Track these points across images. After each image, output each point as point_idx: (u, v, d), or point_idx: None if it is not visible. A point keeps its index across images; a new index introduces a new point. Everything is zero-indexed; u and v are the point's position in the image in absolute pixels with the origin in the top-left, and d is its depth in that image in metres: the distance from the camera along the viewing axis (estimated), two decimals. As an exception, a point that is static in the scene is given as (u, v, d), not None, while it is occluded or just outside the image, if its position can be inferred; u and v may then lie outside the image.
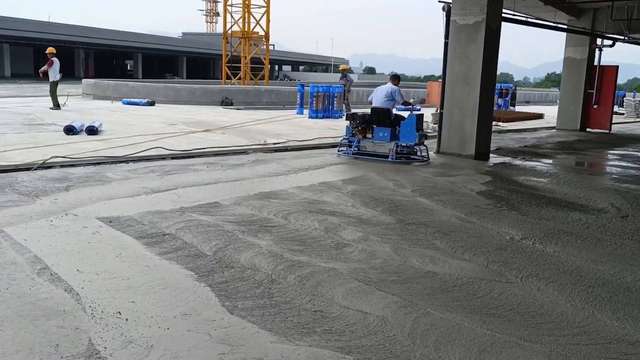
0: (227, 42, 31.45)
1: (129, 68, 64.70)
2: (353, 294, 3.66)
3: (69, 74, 53.37)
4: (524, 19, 13.56)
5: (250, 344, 2.95)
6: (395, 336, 3.11)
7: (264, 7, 30.68)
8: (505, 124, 17.75)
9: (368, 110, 10.03)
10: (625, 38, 16.72)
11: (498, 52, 10.36)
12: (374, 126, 9.71)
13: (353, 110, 10.19)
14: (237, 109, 19.39)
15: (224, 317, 3.26)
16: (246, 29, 30.61)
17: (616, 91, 19.67)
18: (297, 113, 18.23)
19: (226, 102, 20.42)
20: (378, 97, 9.88)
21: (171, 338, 2.98)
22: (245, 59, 30.68)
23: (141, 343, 2.91)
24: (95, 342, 2.89)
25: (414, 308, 3.48)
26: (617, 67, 17.43)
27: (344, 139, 9.99)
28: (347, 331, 3.15)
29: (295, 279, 3.87)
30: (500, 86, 25.47)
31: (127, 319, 3.16)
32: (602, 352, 3.02)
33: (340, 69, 21.26)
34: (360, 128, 9.72)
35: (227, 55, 31.11)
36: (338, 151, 10.03)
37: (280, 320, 3.24)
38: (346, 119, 9.88)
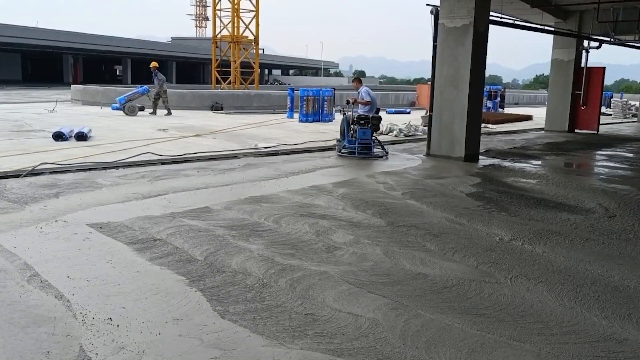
0: (217, 47, 31.46)
1: (118, 73, 64.40)
2: (344, 297, 3.68)
3: (57, 79, 53.20)
4: (511, 21, 13.67)
5: (242, 348, 2.96)
6: (386, 338, 3.13)
7: (253, 11, 30.74)
8: (494, 126, 17.87)
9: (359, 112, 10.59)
10: (612, 39, 16.91)
11: (486, 54, 10.44)
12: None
13: (361, 113, 10.45)
14: (227, 114, 19.38)
15: (215, 321, 3.26)
16: (235, 33, 30.64)
17: (603, 92, 19.87)
18: (288, 117, 18.27)
19: (216, 107, 20.40)
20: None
21: (163, 343, 2.98)
22: (235, 63, 30.70)
23: (133, 349, 2.91)
24: (87, 349, 2.88)
25: (404, 310, 3.51)
26: (604, 68, 17.61)
27: (360, 141, 10.14)
28: (338, 334, 3.16)
29: (286, 283, 3.88)
30: (489, 88, 25.67)
31: (118, 325, 3.16)
32: (591, 351, 3.06)
33: (151, 66, 18.32)
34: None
35: (217, 59, 31.10)
36: (341, 153, 10.25)
37: (271, 323, 3.25)
38: (374, 126, 10.46)
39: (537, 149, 12.84)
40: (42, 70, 58.64)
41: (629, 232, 5.58)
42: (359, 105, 10.60)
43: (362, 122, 10.12)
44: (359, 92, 10.80)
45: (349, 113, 10.44)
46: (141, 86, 18.44)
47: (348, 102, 10.65)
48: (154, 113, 17.33)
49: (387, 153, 10.41)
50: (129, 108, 16.88)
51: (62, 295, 3.54)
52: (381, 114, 11.12)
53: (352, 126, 10.21)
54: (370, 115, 10.32)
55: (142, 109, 17.14)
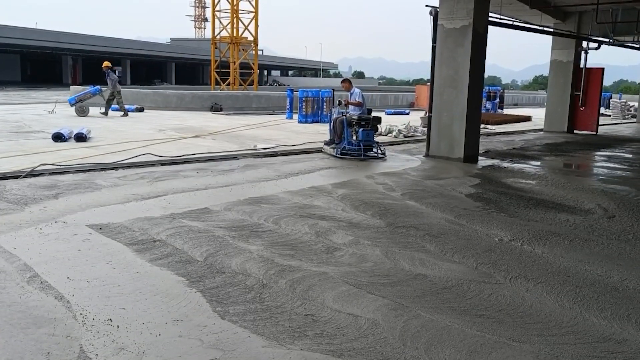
0: (216, 48, 31.47)
1: (117, 74, 64.34)
2: (344, 298, 3.68)
3: (56, 81, 53.18)
4: (510, 22, 13.69)
5: (242, 349, 2.96)
6: (386, 339, 3.13)
7: (252, 12, 30.76)
8: (493, 127, 17.89)
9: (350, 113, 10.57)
10: (610, 40, 16.93)
11: (485, 55, 10.45)
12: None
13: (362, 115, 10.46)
14: (227, 115, 19.38)
15: (215, 322, 3.27)
16: (235, 34, 30.65)
17: (602, 93, 19.88)
18: (287, 118, 18.28)
19: (215, 108, 20.41)
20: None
21: (163, 344, 2.99)
22: (234, 64, 30.71)
23: (133, 350, 2.91)
24: (87, 350, 2.88)
25: (404, 310, 3.51)
26: (603, 69, 17.64)
27: (365, 143, 10.15)
28: (338, 334, 3.17)
29: (286, 284, 3.89)
30: (489, 89, 25.69)
31: (118, 326, 3.16)
32: (590, 351, 3.07)
33: (103, 66, 17.12)
34: None
35: (216, 60, 31.10)
36: (342, 155, 10.14)
37: (271, 324, 3.26)
38: (374, 127, 10.45)
39: (536, 149, 12.85)
40: (41, 72, 58.57)
41: (628, 232, 5.59)
42: (349, 106, 10.59)
43: (363, 123, 10.12)
44: (351, 93, 10.76)
45: (348, 114, 10.42)
46: (93, 86, 17.96)
47: (340, 102, 10.58)
48: (106, 114, 16.72)
49: (384, 154, 10.40)
50: (79, 108, 16.43)
51: (62, 296, 3.54)
52: (380, 114, 11.13)
53: (354, 127, 10.18)
54: (372, 117, 10.33)
55: (141, 109, 17.12)
